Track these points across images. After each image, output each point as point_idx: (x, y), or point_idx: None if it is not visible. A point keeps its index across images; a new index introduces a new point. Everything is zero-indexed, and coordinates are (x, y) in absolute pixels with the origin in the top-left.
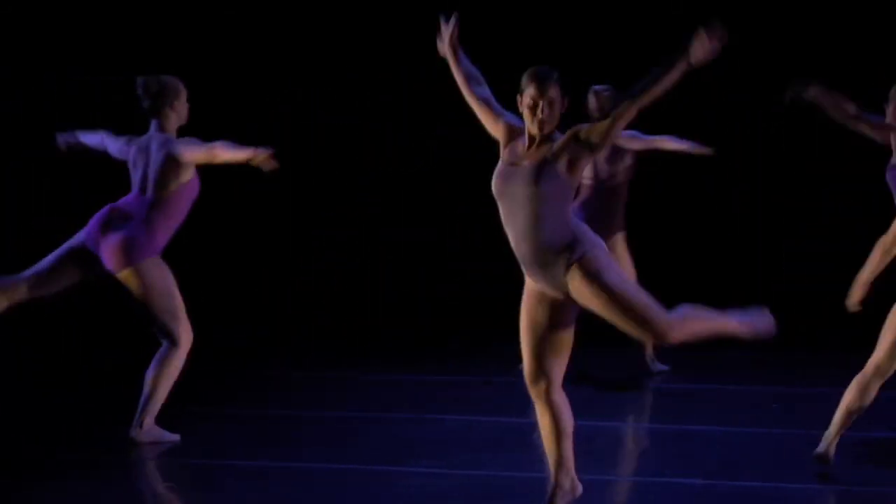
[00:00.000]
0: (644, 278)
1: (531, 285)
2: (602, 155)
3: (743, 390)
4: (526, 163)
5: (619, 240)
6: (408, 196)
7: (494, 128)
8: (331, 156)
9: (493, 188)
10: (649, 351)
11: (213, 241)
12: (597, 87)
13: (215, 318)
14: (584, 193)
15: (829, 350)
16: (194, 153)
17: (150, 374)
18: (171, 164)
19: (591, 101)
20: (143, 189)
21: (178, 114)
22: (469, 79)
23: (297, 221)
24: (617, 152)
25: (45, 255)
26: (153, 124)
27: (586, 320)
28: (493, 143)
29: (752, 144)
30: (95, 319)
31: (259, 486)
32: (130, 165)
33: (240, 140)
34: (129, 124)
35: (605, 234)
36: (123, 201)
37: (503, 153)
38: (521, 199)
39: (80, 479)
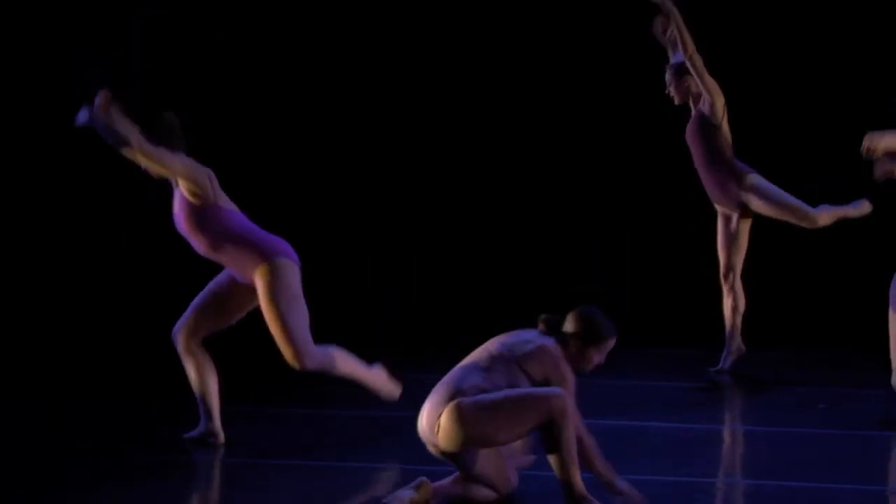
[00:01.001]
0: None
1: None
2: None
3: (790, 390)
4: None
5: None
6: (411, 196)
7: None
8: (330, 156)
9: None
10: (739, 344)
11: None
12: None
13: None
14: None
15: (876, 350)
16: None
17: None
18: None
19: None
20: None
21: None
22: None
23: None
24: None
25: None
26: None
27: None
28: (494, 147)
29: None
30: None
31: (296, 480)
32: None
33: (239, 140)
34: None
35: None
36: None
37: None
38: None
39: (138, 480)
